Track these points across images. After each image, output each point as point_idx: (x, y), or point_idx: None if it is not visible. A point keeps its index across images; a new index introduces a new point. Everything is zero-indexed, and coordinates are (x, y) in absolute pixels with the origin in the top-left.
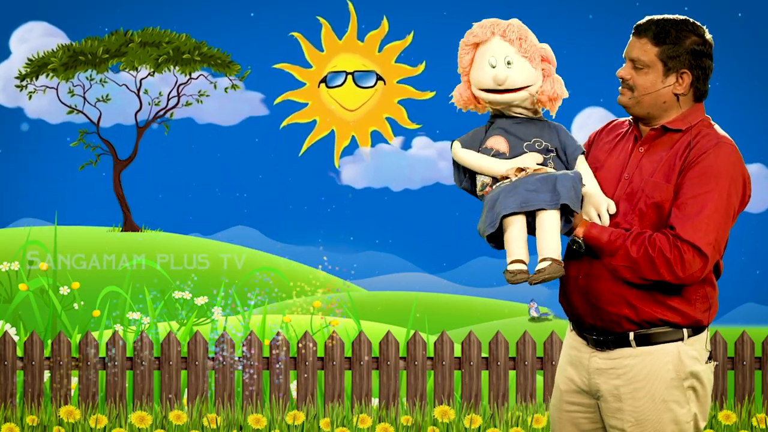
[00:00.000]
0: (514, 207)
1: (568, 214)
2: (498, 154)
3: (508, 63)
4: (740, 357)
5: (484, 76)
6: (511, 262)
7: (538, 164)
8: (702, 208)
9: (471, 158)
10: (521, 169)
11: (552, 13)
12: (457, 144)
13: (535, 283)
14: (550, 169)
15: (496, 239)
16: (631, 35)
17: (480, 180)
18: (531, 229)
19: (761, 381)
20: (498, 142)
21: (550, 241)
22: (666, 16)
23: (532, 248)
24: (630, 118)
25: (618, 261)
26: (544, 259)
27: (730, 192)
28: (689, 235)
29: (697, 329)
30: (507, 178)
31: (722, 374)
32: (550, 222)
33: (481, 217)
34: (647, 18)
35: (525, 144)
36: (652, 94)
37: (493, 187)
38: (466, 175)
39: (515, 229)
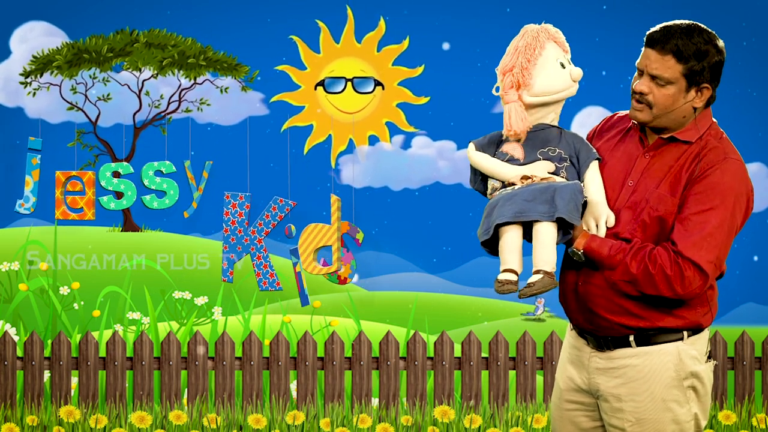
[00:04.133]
0: (508, 216)
1: (567, 226)
2: (512, 160)
3: (568, 63)
4: (740, 357)
5: (560, 78)
6: (503, 271)
7: (549, 173)
8: (705, 225)
9: (483, 161)
10: (527, 177)
11: (551, 13)
12: (471, 146)
13: (525, 297)
14: (559, 179)
15: (492, 246)
16: (647, 46)
17: (491, 184)
18: (530, 237)
19: (761, 381)
20: (513, 148)
21: (545, 254)
22: (679, 24)
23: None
24: None
25: (618, 276)
26: (537, 272)
27: (734, 209)
28: (691, 252)
29: (696, 330)
30: (513, 184)
31: (722, 374)
32: (545, 234)
33: (480, 223)
34: (662, 28)
35: (539, 151)
36: (674, 111)
37: (499, 192)
38: (479, 177)
39: (510, 238)
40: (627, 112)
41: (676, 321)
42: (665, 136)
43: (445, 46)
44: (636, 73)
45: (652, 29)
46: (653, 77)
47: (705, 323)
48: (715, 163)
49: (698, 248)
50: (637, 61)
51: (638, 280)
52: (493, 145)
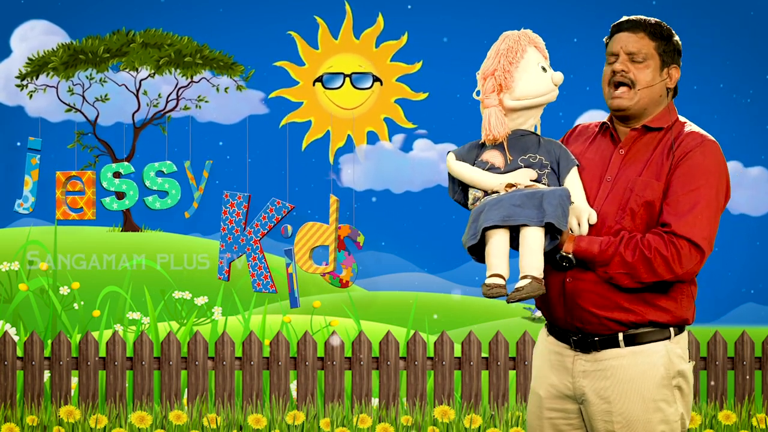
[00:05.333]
0: (496, 220)
1: (553, 231)
2: (493, 168)
3: (549, 67)
4: (740, 357)
5: (542, 81)
6: (490, 276)
7: (531, 180)
8: (695, 204)
9: (464, 171)
10: (511, 185)
11: (551, 15)
12: (451, 156)
13: (513, 302)
14: (541, 186)
15: (478, 252)
16: (616, 32)
17: (472, 193)
18: (516, 244)
19: (761, 381)
20: (494, 156)
21: (532, 259)
22: (642, 16)
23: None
24: (603, 120)
25: (614, 269)
26: (524, 277)
27: (718, 188)
28: (684, 230)
29: (682, 327)
30: (497, 192)
31: (722, 374)
32: (533, 239)
33: (466, 229)
34: (630, 17)
35: (520, 158)
36: (651, 88)
37: (482, 200)
38: (459, 187)
39: (496, 242)
40: (587, 123)
41: (665, 315)
42: (638, 126)
43: (442, 46)
44: (606, 65)
45: (617, 21)
46: (631, 56)
47: (690, 319)
48: (695, 145)
49: (691, 226)
50: (608, 49)
51: (636, 268)
52: (473, 154)
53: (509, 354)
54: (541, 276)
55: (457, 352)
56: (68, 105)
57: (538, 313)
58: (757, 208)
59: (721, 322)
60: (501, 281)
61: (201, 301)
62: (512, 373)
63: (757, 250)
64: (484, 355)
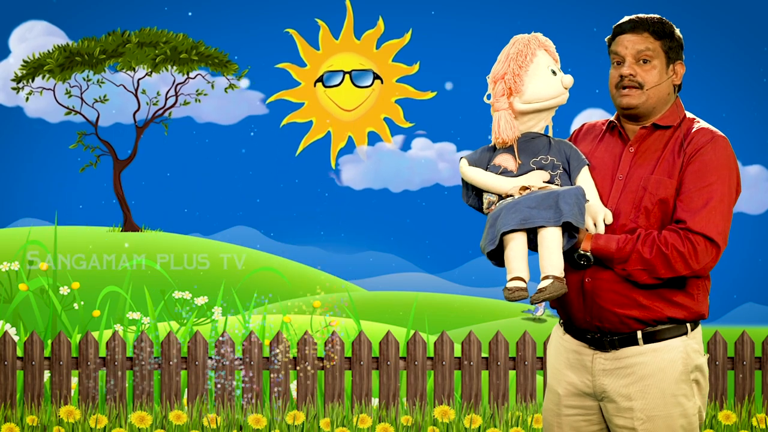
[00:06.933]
0: (514, 224)
1: (571, 230)
2: (505, 172)
3: (559, 71)
4: (740, 357)
5: (552, 85)
6: (511, 279)
7: (544, 182)
8: (709, 200)
9: (477, 176)
10: (526, 188)
11: (551, 14)
12: (464, 161)
13: (538, 302)
14: (554, 187)
15: (497, 256)
16: (619, 34)
17: (486, 198)
18: (534, 246)
19: (761, 381)
20: (506, 160)
21: (553, 259)
22: (643, 14)
23: (534, 264)
24: (610, 118)
25: (632, 265)
26: (546, 277)
27: (730, 183)
28: (700, 226)
29: (697, 322)
30: (512, 196)
31: (722, 374)
32: (551, 239)
33: (483, 234)
34: (631, 17)
35: (532, 161)
36: (659, 86)
37: (497, 204)
38: (473, 192)
39: (515, 246)
40: (594, 122)
41: (683, 312)
42: (647, 124)
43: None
44: (612, 68)
45: (620, 22)
46: (637, 58)
47: (706, 313)
48: (705, 142)
49: (706, 221)
50: (614, 50)
51: (654, 265)
52: (485, 158)
53: (509, 354)
54: (563, 275)
55: (457, 352)
56: (67, 108)
57: (539, 312)
58: (756, 207)
59: (721, 322)
60: (522, 284)
61: (201, 301)
62: (512, 373)
63: (757, 249)
64: (484, 355)
